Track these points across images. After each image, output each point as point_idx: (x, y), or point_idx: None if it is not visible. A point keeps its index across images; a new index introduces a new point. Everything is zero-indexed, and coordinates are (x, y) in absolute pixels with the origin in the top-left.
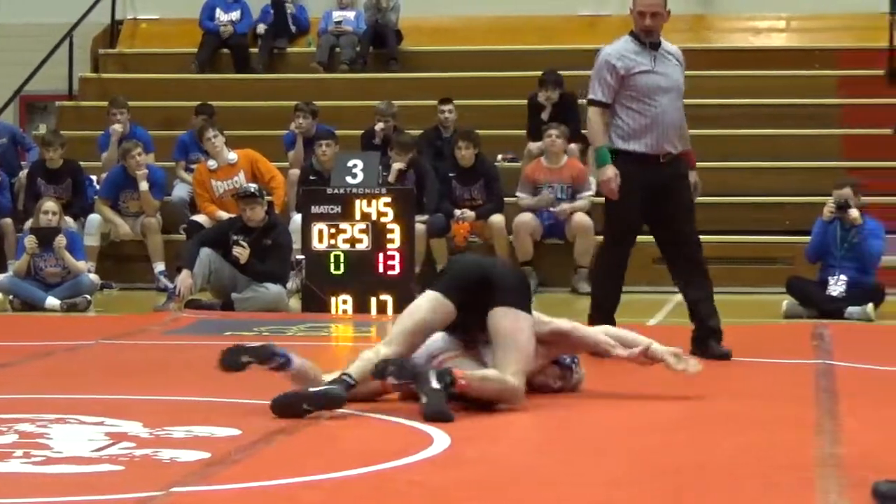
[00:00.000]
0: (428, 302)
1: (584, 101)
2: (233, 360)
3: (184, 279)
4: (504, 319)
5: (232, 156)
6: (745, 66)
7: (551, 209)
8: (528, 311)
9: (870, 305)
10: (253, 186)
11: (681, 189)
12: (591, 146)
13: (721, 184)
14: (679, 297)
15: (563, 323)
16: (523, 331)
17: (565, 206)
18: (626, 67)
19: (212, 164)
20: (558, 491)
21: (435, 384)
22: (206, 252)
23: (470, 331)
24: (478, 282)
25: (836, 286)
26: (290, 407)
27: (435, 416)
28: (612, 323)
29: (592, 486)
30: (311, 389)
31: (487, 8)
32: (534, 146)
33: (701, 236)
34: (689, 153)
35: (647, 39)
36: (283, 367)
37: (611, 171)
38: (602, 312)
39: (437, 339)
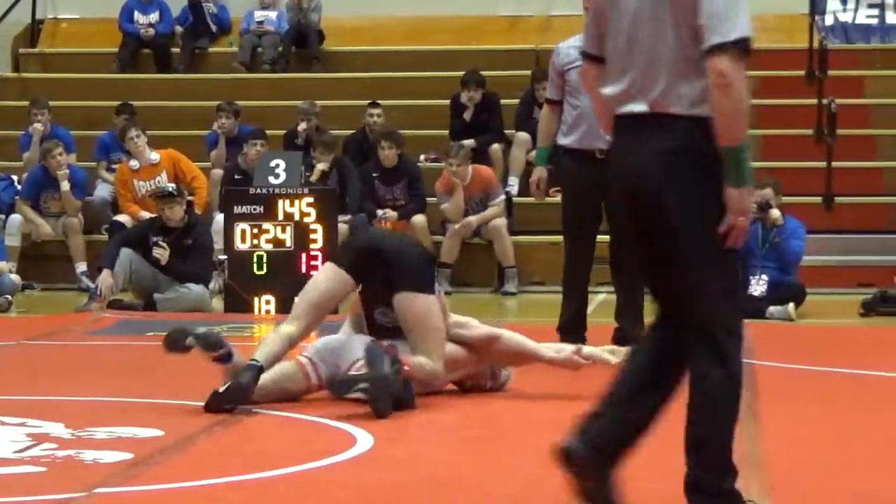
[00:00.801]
0: (325, 273)
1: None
2: (177, 341)
3: (105, 279)
4: (412, 305)
5: (154, 156)
6: None
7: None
8: (432, 289)
9: (791, 305)
10: (171, 186)
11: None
12: None
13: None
14: (602, 296)
15: (493, 329)
16: (432, 312)
17: (472, 218)
18: (561, 62)
19: (134, 164)
20: (481, 490)
21: (387, 369)
22: (126, 252)
23: (387, 313)
24: (370, 252)
25: (758, 286)
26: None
27: (384, 405)
28: (582, 339)
29: (514, 483)
30: (222, 385)
31: (408, 8)
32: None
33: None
34: None
35: None
36: (224, 360)
37: (536, 173)
38: (568, 323)
39: (358, 343)
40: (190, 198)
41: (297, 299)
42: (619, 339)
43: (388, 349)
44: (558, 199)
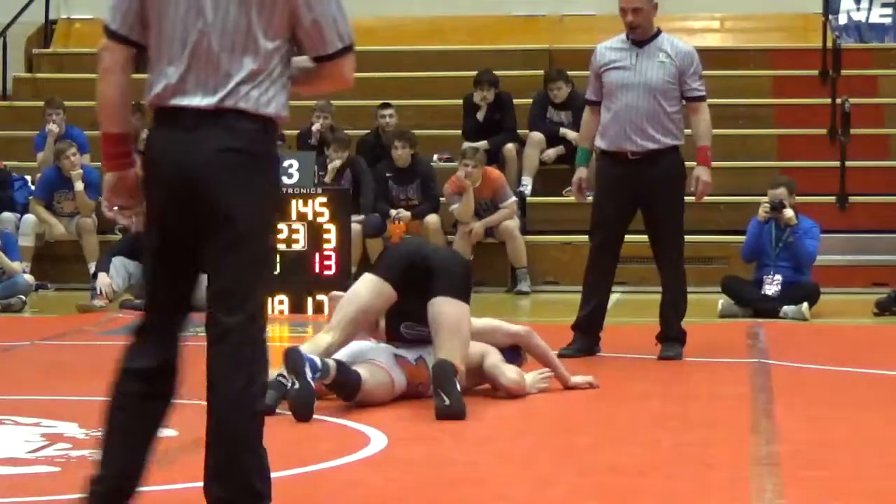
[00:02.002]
0: (367, 285)
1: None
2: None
3: (102, 279)
4: (447, 309)
5: None
6: None
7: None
8: (468, 300)
9: (804, 305)
10: None
11: (659, 188)
12: None
13: None
14: (615, 296)
15: (519, 328)
16: (464, 320)
17: (478, 226)
18: (600, 64)
19: None
20: (492, 491)
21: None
22: (118, 259)
23: (415, 327)
24: (418, 264)
25: (771, 286)
26: None
27: (456, 415)
28: (595, 338)
29: (526, 485)
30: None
31: (422, 8)
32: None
33: (634, 237)
34: (700, 149)
35: (632, 36)
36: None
37: (577, 174)
38: (583, 321)
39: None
40: None
41: (337, 311)
42: (661, 339)
43: (419, 363)
44: (572, 198)
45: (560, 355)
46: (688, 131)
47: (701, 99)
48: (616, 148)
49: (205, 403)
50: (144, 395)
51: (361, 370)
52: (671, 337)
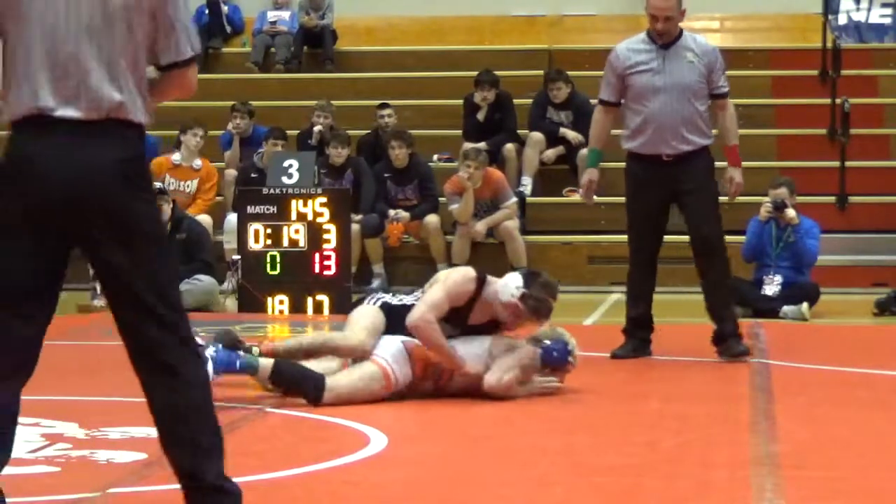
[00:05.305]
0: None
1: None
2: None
3: None
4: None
5: (198, 162)
6: None
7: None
8: None
9: (804, 305)
10: (158, 185)
11: (694, 185)
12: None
13: None
14: (615, 296)
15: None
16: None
17: (479, 226)
18: (623, 65)
19: (176, 157)
20: (492, 491)
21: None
22: None
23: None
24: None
25: (771, 286)
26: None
27: None
28: (647, 339)
29: (526, 485)
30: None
31: (421, 8)
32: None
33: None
34: (729, 148)
35: (660, 40)
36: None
37: (587, 175)
38: (631, 321)
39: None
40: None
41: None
42: (717, 339)
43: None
44: (571, 198)
45: (613, 356)
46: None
47: (727, 95)
48: (651, 152)
49: None
50: None
51: (342, 374)
52: (732, 333)
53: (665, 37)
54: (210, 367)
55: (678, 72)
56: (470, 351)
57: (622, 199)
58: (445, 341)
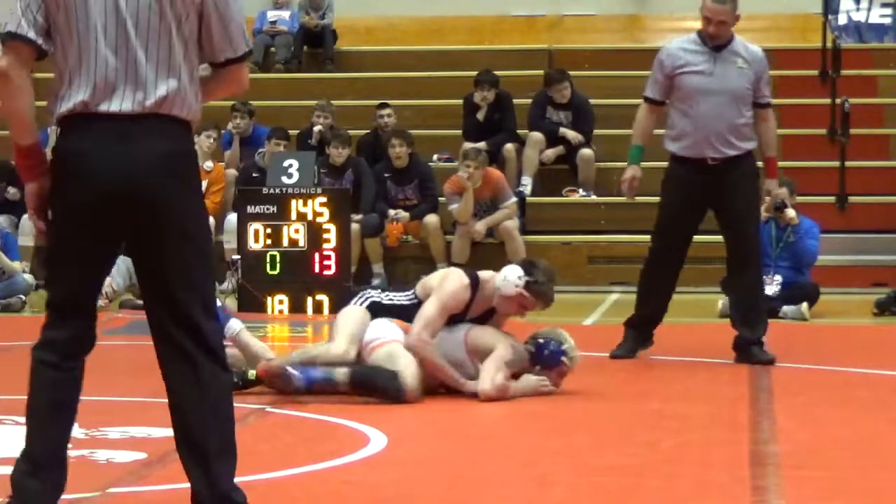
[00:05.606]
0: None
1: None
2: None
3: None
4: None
5: (209, 164)
6: None
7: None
8: None
9: (804, 305)
10: None
11: (732, 195)
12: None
13: (657, 184)
14: (615, 296)
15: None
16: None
17: (479, 226)
18: (673, 65)
19: None
20: (492, 491)
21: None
22: (119, 259)
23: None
24: None
25: (771, 286)
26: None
27: None
28: (649, 334)
29: (526, 485)
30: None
31: (421, 8)
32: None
33: (636, 237)
34: (768, 160)
35: (711, 42)
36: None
37: (630, 171)
38: (639, 317)
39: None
40: None
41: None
42: (740, 345)
43: None
44: (573, 198)
45: (613, 356)
46: None
47: (769, 106)
48: (696, 155)
49: None
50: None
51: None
52: (759, 340)
53: (716, 39)
54: (300, 379)
55: (728, 76)
56: (448, 346)
57: (622, 199)
58: (444, 361)
